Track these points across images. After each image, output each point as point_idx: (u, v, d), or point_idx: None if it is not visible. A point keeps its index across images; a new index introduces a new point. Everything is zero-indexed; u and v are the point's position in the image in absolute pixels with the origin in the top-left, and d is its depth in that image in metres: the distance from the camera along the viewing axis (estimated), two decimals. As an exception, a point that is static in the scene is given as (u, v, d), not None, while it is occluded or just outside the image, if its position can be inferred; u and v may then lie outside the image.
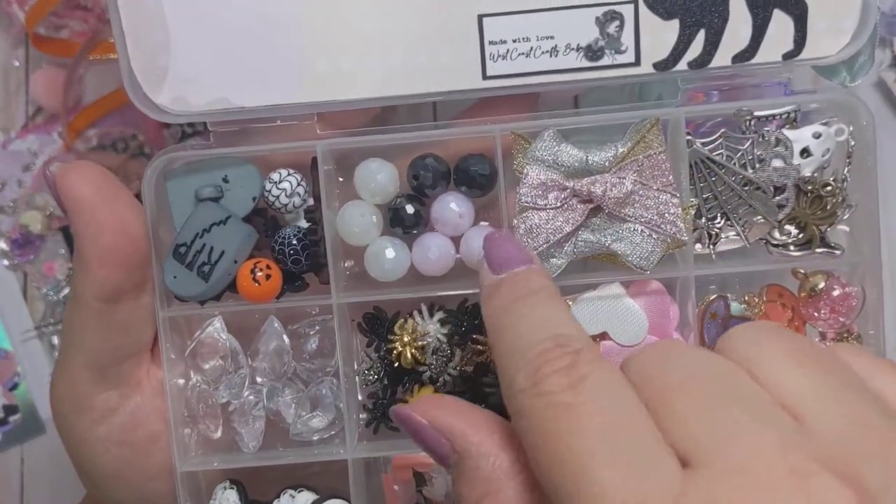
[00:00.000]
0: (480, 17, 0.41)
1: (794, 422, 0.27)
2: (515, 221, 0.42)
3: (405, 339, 0.44)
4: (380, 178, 0.43)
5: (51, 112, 0.67)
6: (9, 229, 0.67)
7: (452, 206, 0.43)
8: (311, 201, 0.44)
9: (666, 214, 0.41)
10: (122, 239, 0.41)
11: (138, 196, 0.43)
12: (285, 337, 0.45)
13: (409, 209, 0.43)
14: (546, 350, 0.29)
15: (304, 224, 0.44)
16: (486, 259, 0.34)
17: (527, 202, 0.42)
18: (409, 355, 0.44)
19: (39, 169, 0.67)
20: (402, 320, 0.44)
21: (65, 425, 0.45)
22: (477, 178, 0.43)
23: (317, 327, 0.45)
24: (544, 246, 0.41)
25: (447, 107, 0.44)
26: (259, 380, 0.45)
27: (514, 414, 0.29)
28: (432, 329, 0.44)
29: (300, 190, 0.43)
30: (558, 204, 0.41)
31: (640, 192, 0.41)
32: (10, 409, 0.67)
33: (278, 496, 0.45)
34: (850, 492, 0.24)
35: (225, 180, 0.43)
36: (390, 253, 0.43)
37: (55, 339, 0.67)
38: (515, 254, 0.34)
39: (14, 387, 0.67)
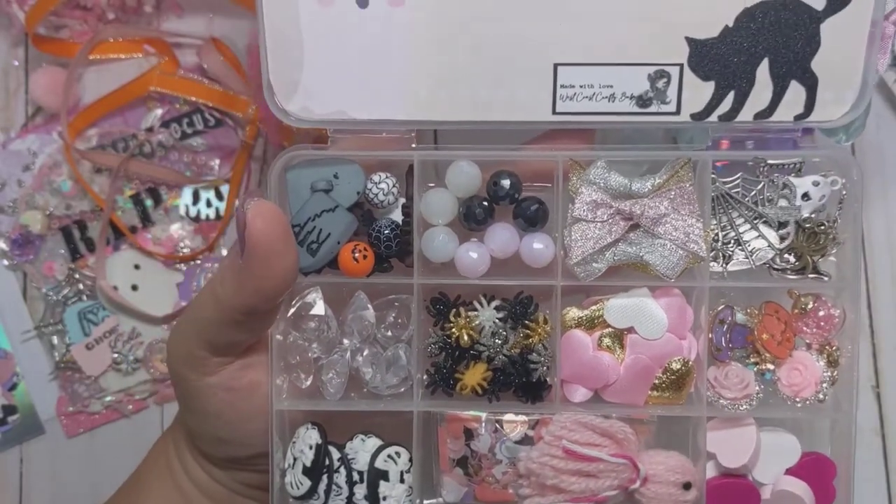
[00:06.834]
0: (556, 66, 0.51)
1: None
2: (567, 230, 0.52)
3: (461, 324, 0.53)
4: (467, 174, 0.52)
5: (51, 112, 0.68)
6: (9, 229, 0.68)
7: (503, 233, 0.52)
8: (402, 200, 0.54)
9: (690, 235, 0.51)
10: (282, 286, 0.49)
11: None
12: (370, 308, 0.54)
13: (480, 212, 0.53)
14: None
15: (397, 218, 0.54)
16: None
17: (579, 215, 0.52)
18: (465, 337, 0.53)
19: (39, 169, 0.68)
20: (456, 310, 0.53)
21: (178, 374, 0.52)
22: (533, 216, 0.52)
23: (396, 304, 0.55)
24: (590, 252, 0.51)
25: (522, 134, 0.54)
26: (345, 342, 0.54)
27: None
28: (488, 315, 0.53)
29: (394, 190, 0.53)
30: (605, 219, 0.51)
31: (672, 215, 0.51)
32: (9, 410, 0.68)
33: (351, 439, 0.54)
34: None
35: (335, 176, 0.53)
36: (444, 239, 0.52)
37: (55, 339, 0.68)
38: None
39: (13, 387, 0.68)
